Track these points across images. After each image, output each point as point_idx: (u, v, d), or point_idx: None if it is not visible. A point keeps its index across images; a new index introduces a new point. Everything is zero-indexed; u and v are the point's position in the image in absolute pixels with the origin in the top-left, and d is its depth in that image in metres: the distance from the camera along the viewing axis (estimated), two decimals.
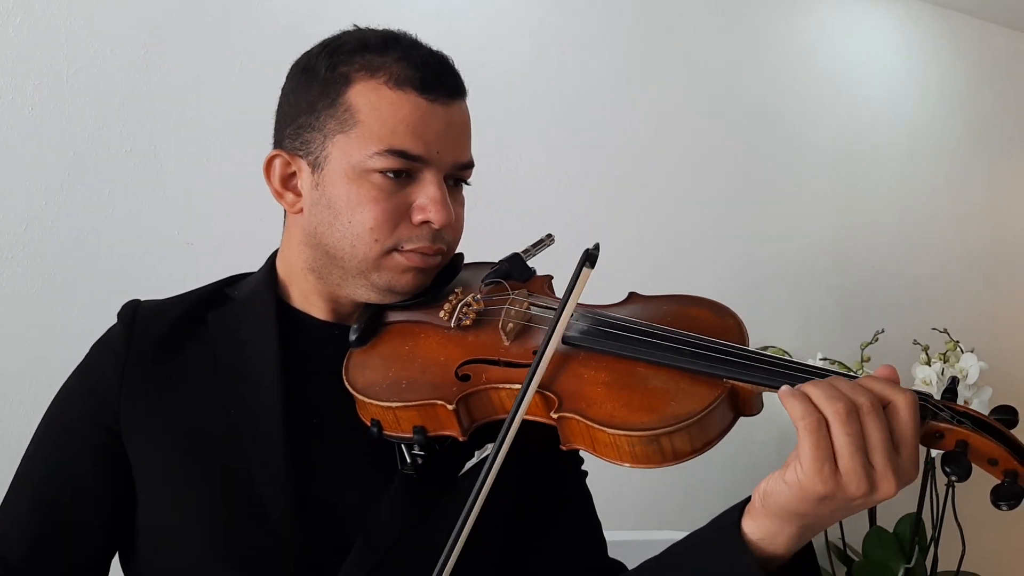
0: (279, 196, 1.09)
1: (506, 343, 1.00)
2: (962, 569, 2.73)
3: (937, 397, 0.85)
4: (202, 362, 1.05)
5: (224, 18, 2.11)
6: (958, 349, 2.70)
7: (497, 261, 1.10)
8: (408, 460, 0.99)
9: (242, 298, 1.11)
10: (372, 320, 1.06)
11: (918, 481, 2.70)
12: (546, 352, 0.91)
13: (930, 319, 2.86)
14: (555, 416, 0.90)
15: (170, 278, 2.04)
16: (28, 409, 1.92)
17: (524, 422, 0.91)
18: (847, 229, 3.08)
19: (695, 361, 0.90)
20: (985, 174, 3.43)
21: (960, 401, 2.78)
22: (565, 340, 0.97)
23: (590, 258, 0.95)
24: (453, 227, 1.04)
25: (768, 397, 0.92)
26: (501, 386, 0.95)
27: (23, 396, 1.92)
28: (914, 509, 2.69)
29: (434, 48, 1.07)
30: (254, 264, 2.18)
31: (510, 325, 1.02)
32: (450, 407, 0.94)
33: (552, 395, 0.92)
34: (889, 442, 0.77)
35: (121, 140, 2.00)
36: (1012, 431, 0.84)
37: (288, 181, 1.07)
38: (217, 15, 2.10)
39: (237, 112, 2.10)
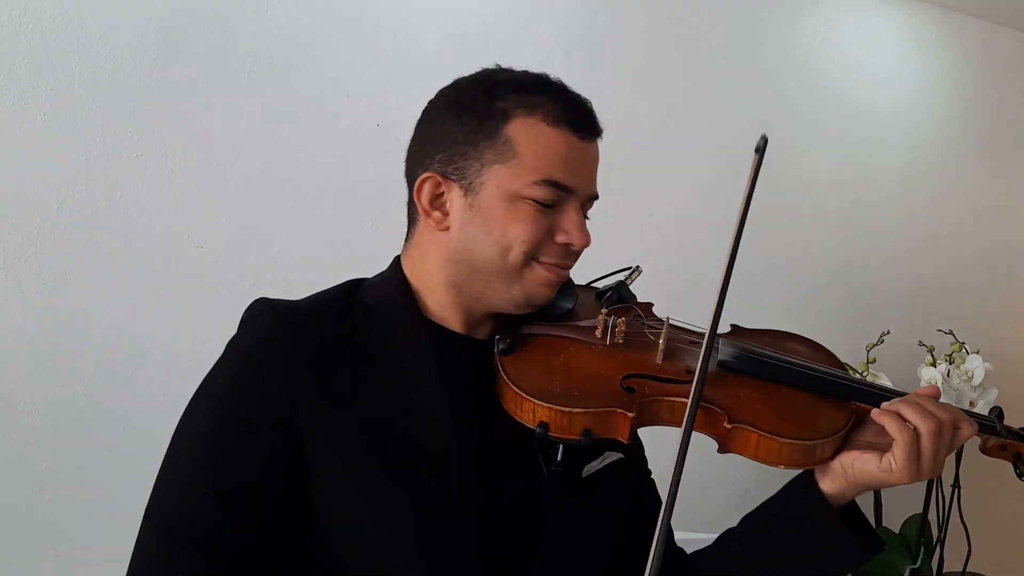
0: (427, 214, 1.17)
1: (659, 361, 1.17)
2: (968, 570, 2.74)
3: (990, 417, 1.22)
4: (361, 371, 1.10)
5: (233, 24, 2.13)
6: (963, 350, 2.70)
7: (605, 288, 1.30)
8: (559, 458, 1.11)
9: (381, 308, 1.17)
10: (513, 332, 1.19)
11: (924, 483, 2.71)
12: (703, 366, 1.06)
13: (935, 320, 2.87)
14: (728, 427, 1.09)
15: (180, 281, 2.06)
16: (40, 410, 1.94)
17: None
18: (852, 230, 3.08)
19: (829, 387, 1.17)
20: (991, 175, 3.43)
21: (966, 402, 2.82)
22: (721, 364, 1.17)
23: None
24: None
25: None
26: (663, 398, 1.11)
27: (35, 398, 1.94)
28: (920, 511, 2.69)
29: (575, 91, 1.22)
30: (262, 267, 2.20)
31: (664, 346, 1.18)
32: (630, 415, 1.08)
33: (718, 410, 1.10)
34: (950, 445, 1.10)
35: (132, 145, 2.02)
36: None
37: (435, 201, 1.16)
38: (226, 21, 2.12)
39: (246, 117, 2.12)
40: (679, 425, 1.06)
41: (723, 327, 1.25)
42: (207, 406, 1.07)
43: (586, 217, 1.20)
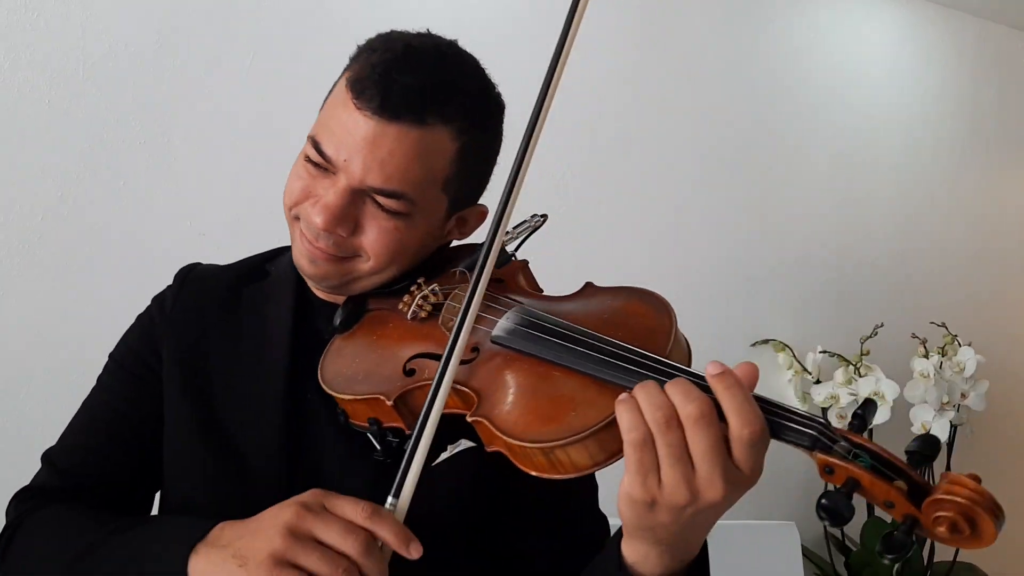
0: None
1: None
2: (958, 559, 2.78)
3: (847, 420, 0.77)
4: (230, 335, 1.12)
5: (235, 13, 2.14)
6: (956, 343, 2.73)
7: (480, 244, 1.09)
8: (379, 447, 0.98)
9: (274, 276, 1.18)
10: (356, 306, 1.08)
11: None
12: (458, 341, 0.87)
13: (928, 313, 2.89)
14: (470, 419, 0.88)
15: (182, 266, 2.07)
16: (45, 393, 1.96)
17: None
18: (846, 224, 3.11)
19: (604, 369, 0.84)
20: (983, 170, 3.46)
21: (957, 395, 2.72)
22: (494, 340, 0.93)
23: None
24: (360, 243, 1.02)
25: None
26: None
27: (40, 381, 1.95)
28: None
29: (434, 59, 1.04)
30: None
31: (451, 322, 0.95)
32: (388, 403, 0.93)
33: (473, 394, 0.89)
34: (717, 451, 0.74)
35: (135, 132, 2.04)
36: (925, 466, 0.76)
37: None
38: (228, 10, 2.14)
39: (248, 105, 2.14)
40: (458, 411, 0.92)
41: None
42: (111, 352, 1.19)
43: (389, 211, 1.00)
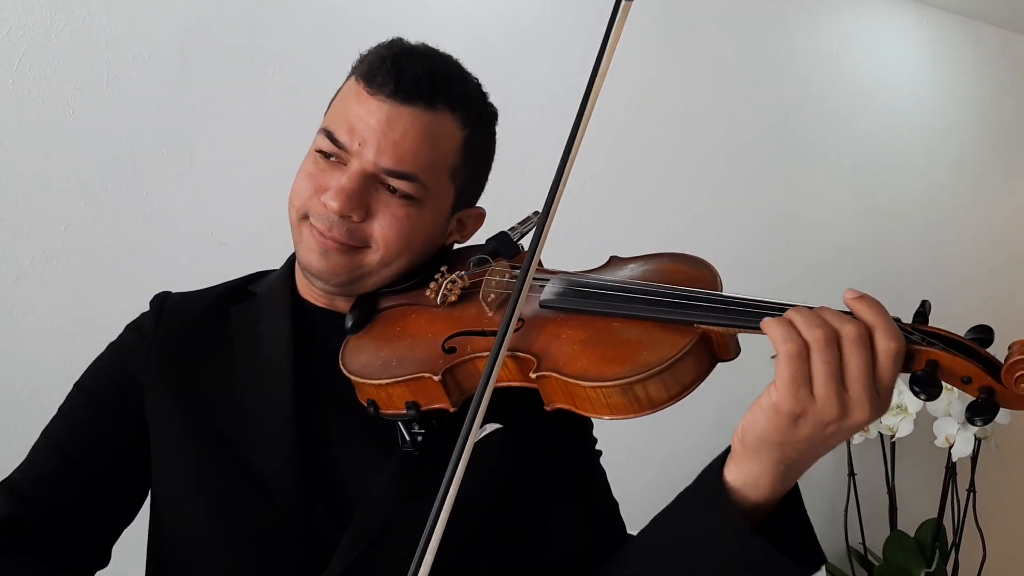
0: None
1: (490, 314, 1.02)
2: (982, 575, 2.75)
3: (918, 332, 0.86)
4: (222, 352, 1.11)
5: (257, 24, 2.16)
6: None
7: (485, 242, 1.14)
8: (408, 438, 1.00)
9: (262, 293, 1.17)
10: (366, 308, 1.09)
11: (939, 487, 2.71)
12: (517, 304, 0.90)
13: (952, 324, 2.85)
14: (534, 376, 0.91)
15: (204, 277, 2.06)
16: None
17: (511, 392, 0.93)
18: (869, 236, 3.09)
19: (665, 310, 0.91)
20: (1007, 182, 3.43)
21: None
22: (542, 304, 0.99)
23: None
24: (371, 230, 1.04)
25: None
26: (486, 355, 0.95)
27: (63, 390, 1.96)
28: (935, 515, 2.69)
29: (438, 56, 1.08)
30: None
31: (492, 296, 1.03)
32: (436, 378, 0.95)
33: (531, 357, 0.93)
34: (869, 372, 0.79)
35: (158, 143, 2.05)
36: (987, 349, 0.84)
37: None
38: (250, 22, 2.15)
39: (270, 115, 2.15)
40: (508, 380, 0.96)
41: (602, 259, 1.11)
42: (76, 382, 1.17)
43: (401, 196, 1.03)
